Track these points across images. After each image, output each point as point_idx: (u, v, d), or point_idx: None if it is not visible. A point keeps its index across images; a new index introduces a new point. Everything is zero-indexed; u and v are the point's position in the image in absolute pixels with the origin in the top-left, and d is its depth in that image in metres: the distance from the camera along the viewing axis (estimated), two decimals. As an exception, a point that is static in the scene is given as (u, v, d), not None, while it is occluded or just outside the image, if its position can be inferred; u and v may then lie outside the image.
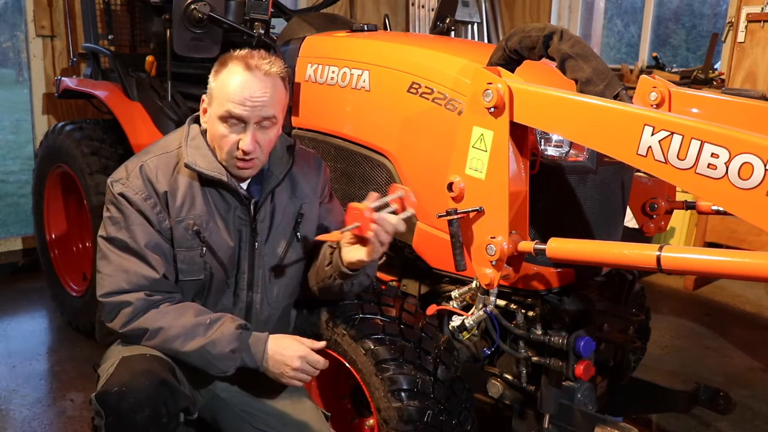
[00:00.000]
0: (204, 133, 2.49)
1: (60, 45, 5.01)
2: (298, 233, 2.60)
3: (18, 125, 6.03)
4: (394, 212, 2.40)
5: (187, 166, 2.41)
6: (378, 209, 2.38)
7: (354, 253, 2.42)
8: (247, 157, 2.39)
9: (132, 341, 2.40)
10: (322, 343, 2.47)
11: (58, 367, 3.89)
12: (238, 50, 2.45)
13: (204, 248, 2.45)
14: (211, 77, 2.44)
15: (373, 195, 2.42)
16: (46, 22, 4.86)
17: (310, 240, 2.61)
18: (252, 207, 2.51)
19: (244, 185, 2.52)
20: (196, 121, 2.54)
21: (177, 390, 2.28)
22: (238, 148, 2.38)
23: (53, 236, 4.53)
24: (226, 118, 2.36)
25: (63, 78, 4.43)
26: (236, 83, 2.35)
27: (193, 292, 2.50)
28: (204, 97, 2.47)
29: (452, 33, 3.17)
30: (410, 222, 2.43)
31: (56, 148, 4.17)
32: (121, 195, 2.40)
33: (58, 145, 4.14)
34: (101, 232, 2.46)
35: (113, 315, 2.38)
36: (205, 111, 2.47)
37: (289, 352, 2.40)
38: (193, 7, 2.96)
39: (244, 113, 2.35)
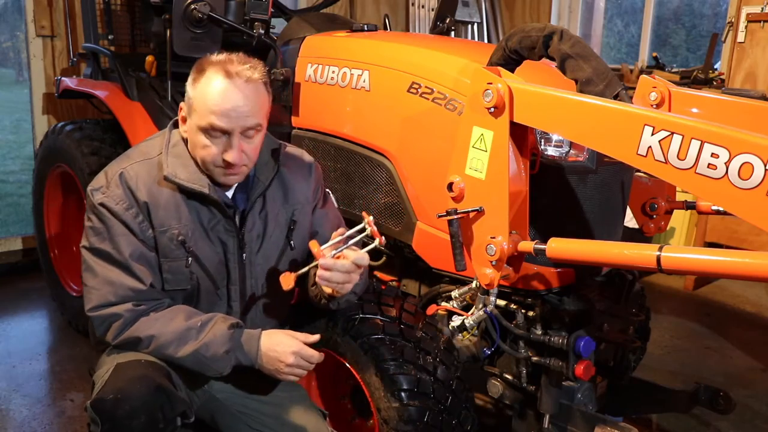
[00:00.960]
0: (185, 139, 2.42)
1: (60, 45, 5.01)
2: (292, 242, 2.56)
3: (18, 125, 6.03)
4: (368, 237, 2.38)
5: (166, 178, 2.35)
6: (349, 238, 2.38)
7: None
8: (233, 167, 2.34)
9: (126, 349, 2.37)
10: (315, 337, 2.43)
11: (58, 367, 3.90)
12: (216, 55, 2.36)
13: (190, 258, 2.40)
14: (189, 85, 2.35)
15: (338, 232, 2.40)
16: (46, 22, 4.86)
17: (303, 247, 2.57)
18: (238, 217, 2.45)
19: (230, 193, 2.46)
20: (176, 125, 2.46)
21: (173, 395, 2.26)
22: (223, 164, 2.33)
23: (53, 236, 4.53)
24: (209, 130, 2.29)
25: (63, 78, 4.43)
26: (217, 94, 2.27)
27: (181, 302, 2.45)
28: (182, 105, 2.38)
29: (452, 33, 3.18)
30: (377, 251, 2.40)
31: (56, 148, 4.17)
32: (102, 205, 2.34)
33: (58, 145, 4.14)
34: (83, 242, 2.40)
35: (103, 328, 2.35)
36: (184, 120, 2.38)
37: (282, 348, 2.38)
38: (193, 7, 2.96)
39: (228, 126, 2.28)
